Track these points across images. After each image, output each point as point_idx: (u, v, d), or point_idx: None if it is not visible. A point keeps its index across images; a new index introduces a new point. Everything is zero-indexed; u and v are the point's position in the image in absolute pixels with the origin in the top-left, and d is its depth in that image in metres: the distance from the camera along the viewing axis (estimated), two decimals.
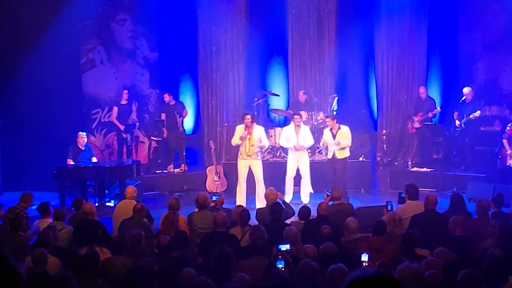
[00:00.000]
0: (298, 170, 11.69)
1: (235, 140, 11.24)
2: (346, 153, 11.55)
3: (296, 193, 11.67)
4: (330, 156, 11.60)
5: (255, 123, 11.32)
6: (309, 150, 13.21)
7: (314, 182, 12.00)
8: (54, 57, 13.09)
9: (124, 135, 13.44)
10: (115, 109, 13.68)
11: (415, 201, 8.57)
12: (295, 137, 11.58)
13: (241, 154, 11.25)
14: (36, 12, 13.03)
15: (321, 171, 12.50)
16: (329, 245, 6.23)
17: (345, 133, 11.45)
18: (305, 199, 11.50)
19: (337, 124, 11.46)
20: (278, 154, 13.10)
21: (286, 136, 11.71)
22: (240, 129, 11.22)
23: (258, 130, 11.28)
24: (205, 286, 4.96)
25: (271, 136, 13.15)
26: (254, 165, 11.26)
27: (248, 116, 11.13)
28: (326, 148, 11.85)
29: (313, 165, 12.75)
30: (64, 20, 13.10)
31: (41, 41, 13.04)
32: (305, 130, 11.75)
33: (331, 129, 11.49)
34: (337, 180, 11.48)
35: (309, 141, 11.76)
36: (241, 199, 11.08)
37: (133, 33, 14.58)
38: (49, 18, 13.06)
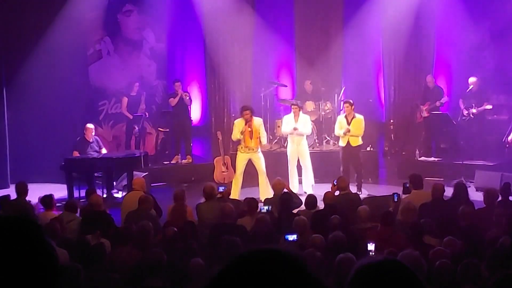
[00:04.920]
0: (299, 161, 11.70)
1: (235, 135, 11.13)
2: (360, 141, 11.58)
3: (299, 183, 11.67)
4: (343, 143, 11.56)
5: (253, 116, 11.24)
6: (316, 140, 13.24)
7: (320, 172, 11.99)
8: (61, 48, 13.10)
9: (135, 126, 13.46)
10: (125, 99, 13.67)
11: (420, 190, 8.59)
12: (293, 125, 11.60)
13: (242, 147, 11.18)
14: (43, 3, 13.04)
15: (328, 161, 12.53)
16: (338, 234, 6.24)
17: (359, 122, 11.48)
18: (308, 189, 11.46)
19: (353, 112, 11.47)
20: (285, 145, 13.07)
21: (286, 124, 11.74)
22: (238, 124, 11.09)
23: (258, 122, 11.17)
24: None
25: (278, 126, 13.13)
26: (255, 158, 11.14)
27: (248, 111, 10.94)
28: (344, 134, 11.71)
29: (320, 155, 12.78)
30: (71, 11, 13.10)
31: (48, 33, 13.04)
32: (305, 119, 11.75)
33: (345, 116, 11.48)
34: (354, 169, 11.53)
35: (306, 129, 11.74)
36: (236, 192, 10.85)
37: (140, 24, 14.56)
38: (56, 10, 13.06)
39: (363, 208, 7.78)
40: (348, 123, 11.44)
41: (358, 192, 11.27)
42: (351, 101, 11.62)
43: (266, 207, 8.61)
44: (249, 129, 10.94)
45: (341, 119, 11.65)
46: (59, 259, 1.69)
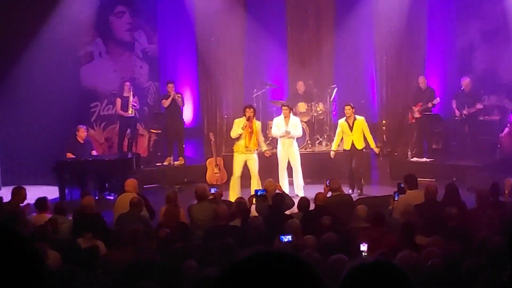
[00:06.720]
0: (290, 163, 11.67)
1: (235, 132, 11.07)
2: (364, 143, 11.61)
3: (290, 184, 11.64)
4: (348, 147, 11.55)
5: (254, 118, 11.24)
6: (309, 142, 13.24)
7: (312, 173, 12.01)
8: (52, 50, 13.06)
9: (127, 127, 13.36)
10: (119, 100, 13.58)
11: (415, 190, 8.61)
12: (284, 128, 11.52)
13: (239, 148, 11.13)
14: (34, 5, 13.00)
15: (320, 162, 12.57)
16: (331, 235, 6.25)
17: (363, 124, 11.49)
18: (299, 192, 11.43)
19: (354, 115, 11.47)
20: (277, 146, 13.07)
21: (276, 126, 11.67)
22: (239, 122, 11.07)
23: (258, 125, 11.19)
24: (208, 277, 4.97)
25: (271, 127, 13.12)
26: (250, 159, 11.10)
27: (252, 109, 10.96)
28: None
29: (312, 156, 12.80)
30: (62, 13, 13.07)
31: (39, 35, 13.00)
32: (295, 121, 11.64)
33: (346, 120, 11.48)
34: (355, 171, 11.54)
35: (297, 131, 11.64)
36: (235, 194, 10.81)
37: (132, 25, 14.54)
38: (47, 11, 13.02)
39: (362, 207, 7.79)
40: (350, 127, 11.44)
41: (358, 192, 11.35)
42: (352, 104, 11.60)
43: (260, 191, 8.71)
44: (250, 129, 10.93)
45: (342, 124, 11.60)
46: (45, 264, 1.68)
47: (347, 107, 11.50)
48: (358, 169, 11.67)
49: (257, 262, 1.51)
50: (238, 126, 10.97)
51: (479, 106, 12.94)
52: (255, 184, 11.01)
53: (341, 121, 11.67)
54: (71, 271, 5.14)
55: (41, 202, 8.52)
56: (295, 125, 11.59)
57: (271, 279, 1.48)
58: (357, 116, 11.53)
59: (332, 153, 11.87)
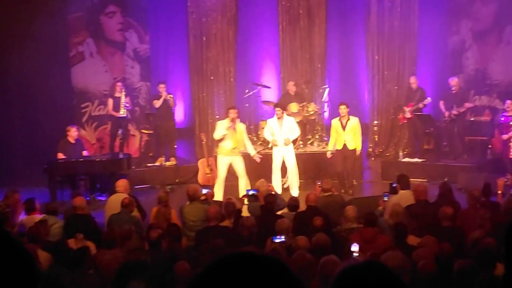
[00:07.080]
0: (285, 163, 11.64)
1: (218, 133, 11.03)
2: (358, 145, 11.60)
3: (283, 185, 11.63)
4: (340, 146, 11.53)
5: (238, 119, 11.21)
6: (301, 142, 13.23)
7: (304, 173, 11.99)
8: (42, 50, 13.01)
9: (119, 128, 13.30)
10: (110, 101, 13.51)
11: (407, 190, 8.61)
12: (278, 129, 11.48)
13: (222, 150, 11.07)
14: (24, 5, 12.94)
15: (312, 162, 12.57)
16: (322, 236, 6.24)
17: (355, 125, 11.49)
18: (294, 191, 11.42)
19: (348, 115, 11.47)
20: (270, 146, 13.06)
21: (269, 128, 11.60)
22: (222, 123, 11.07)
23: (241, 127, 11.18)
24: None
25: (262, 128, 13.11)
26: (235, 161, 11.07)
27: (235, 110, 11.00)
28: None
29: (304, 156, 12.78)
30: (53, 13, 13.02)
31: (29, 35, 12.94)
32: (289, 122, 11.56)
33: (340, 119, 11.47)
34: (347, 171, 11.54)
35: (295, 133, 11.59)
36: (219, 196, 10.67)
37: (123, 25, 14.48)
38: (38, 11, 12.96)
39: (351, 207, 7.77)
40: (343, 126, 11.44)
41: (350, 192, 11.35)
42: (347, 104, 11.59)
43: (252, 191, 8.71)
44: (233, 130, 10.91)
45: (335, 123, 11.60)
46: (36, 266, 1.67)
47: (342, 106, 11.50)
48: (350, 170, 11.67)
49: (228, 265, 1.50)
50: (220, 127, 10.96)
51: (468, 105, 12.97)
52: (244, 185, 10.99)
53: (334, 120, 11.67)
54: (60, 273, 5.11)
55: (29, 203, 8.47)
56: (290, 127, 11.51)
57: (243, 281, 1.47)
58: (351, 117, 11.52)
59: (328, 153, 11.79)
